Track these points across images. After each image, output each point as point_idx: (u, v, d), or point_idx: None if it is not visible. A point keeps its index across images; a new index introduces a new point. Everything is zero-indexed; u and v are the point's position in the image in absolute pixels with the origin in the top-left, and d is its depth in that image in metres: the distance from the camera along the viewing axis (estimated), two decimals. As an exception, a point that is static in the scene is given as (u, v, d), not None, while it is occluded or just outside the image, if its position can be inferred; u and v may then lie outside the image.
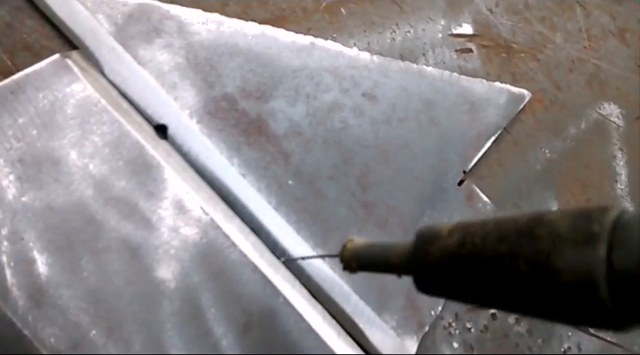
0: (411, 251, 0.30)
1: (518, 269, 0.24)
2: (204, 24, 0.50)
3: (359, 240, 0.36)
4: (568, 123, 0.66)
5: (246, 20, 0.52)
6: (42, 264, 0.38)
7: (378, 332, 0.45)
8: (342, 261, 0.36)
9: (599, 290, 0.21)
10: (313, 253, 0.46)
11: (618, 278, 0.21)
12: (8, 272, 0.37)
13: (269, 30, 0.52)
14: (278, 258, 0.45)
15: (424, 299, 0.48)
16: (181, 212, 0.43)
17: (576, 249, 0.22)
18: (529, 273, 0.23)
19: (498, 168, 0.59)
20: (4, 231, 0.38)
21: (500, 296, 0.26)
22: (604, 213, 0.22)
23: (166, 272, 0.41)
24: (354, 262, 0.35)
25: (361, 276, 0.46)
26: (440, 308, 0.48)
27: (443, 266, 0.28)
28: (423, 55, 0.61)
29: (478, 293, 0.27)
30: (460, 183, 0.55)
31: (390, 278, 0.47)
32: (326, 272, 0.45)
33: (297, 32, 0.53)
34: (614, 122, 0.69)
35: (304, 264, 0.44)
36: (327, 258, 0.46)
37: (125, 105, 0.45)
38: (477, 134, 0.58)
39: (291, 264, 0.44)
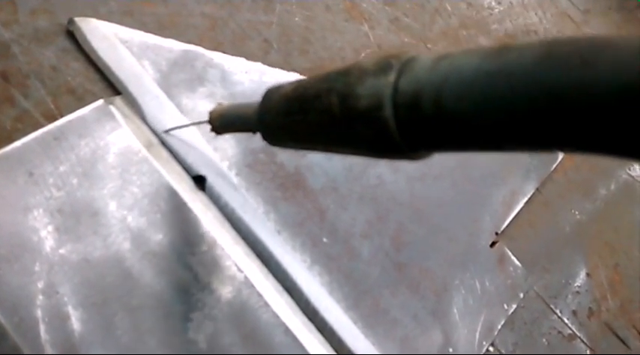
0: (259, 102, 0.33)
1: (331, 103, 0.26)
2: (247, 73, 0.49)
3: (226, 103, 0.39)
4: (598, 184, 0.65)
5: (288, 69, 0.52)
6: (76, 320, 0.37)
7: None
8: (209, 122, 0.38)
9: (384, 109, 0.24)
10: (344, 316, 0.45)
11: (401, 99, 0.23)
12: (42, 328, 0.36)
13: (310, 80, 0.52)
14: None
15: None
16: (216, 268, 0.42)
17: (374, 77, 0.25)
18: (339, 105, 0.26)
19: (529, 229, 0.58)
20: (40, 285, 0.37)
21: (321, 132, 0.28)
22: (404, 53, 0.25)
23: (199, 332, 0.40)
24: (217, 121, 0.37)
25: (393, 344, 0.46)
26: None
27: (280, 112, 0.30)
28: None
29: (305, 132, 0.29)
30: (492, 244, 0.54)
31: None
32: (358, 337, 0.45)
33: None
34: (644, 184, 0.68)
35: (338, 329, 0.44)
36: (359, 324, 0.45)
37: (165, 154, 0.44)
38: (509, 193, 0.57)
39: (324, 329, 0.44)
